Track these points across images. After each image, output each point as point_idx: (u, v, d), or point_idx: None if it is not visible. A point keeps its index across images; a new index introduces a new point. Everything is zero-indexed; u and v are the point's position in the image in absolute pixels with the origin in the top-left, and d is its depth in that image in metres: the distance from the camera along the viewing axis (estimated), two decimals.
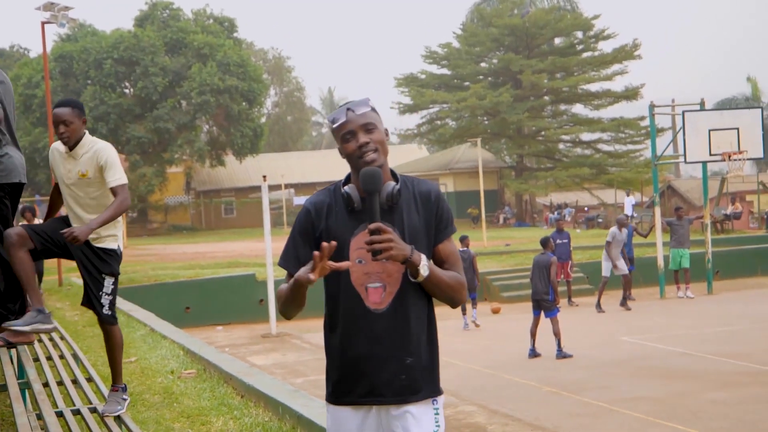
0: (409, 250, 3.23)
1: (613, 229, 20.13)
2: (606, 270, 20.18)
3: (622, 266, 20.00)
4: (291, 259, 3.44)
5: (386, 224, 3.23)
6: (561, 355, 13.82)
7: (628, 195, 43.59)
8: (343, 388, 3.40)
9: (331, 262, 3.13)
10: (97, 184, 6.05)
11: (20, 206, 18.21)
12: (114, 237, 6.22)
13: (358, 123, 3.35)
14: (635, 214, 39.20)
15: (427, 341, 3.43)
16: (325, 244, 3.11)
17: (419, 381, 3.38)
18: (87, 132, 6.13)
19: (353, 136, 3.35)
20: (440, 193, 3.50)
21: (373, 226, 3.17)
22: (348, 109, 3.37)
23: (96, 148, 6.03)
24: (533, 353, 14.11)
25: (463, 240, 18.63)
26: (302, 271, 3.18)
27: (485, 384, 12.06)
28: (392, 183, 3.37)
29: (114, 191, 5.99)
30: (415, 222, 3.39)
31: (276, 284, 18.30)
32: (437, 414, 3.42)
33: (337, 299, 3.40)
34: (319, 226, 3.40)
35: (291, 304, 3.37)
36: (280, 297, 3.40)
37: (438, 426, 3.41)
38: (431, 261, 3.39)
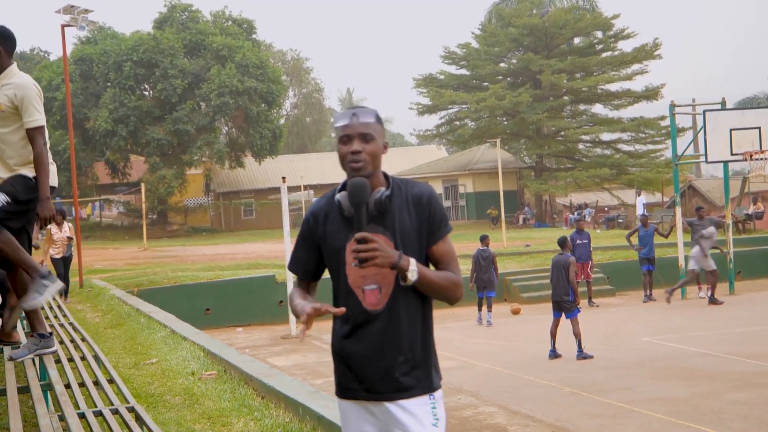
0: (397, 256, 3.34)
1: (711, 228, 20.35)
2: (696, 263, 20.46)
3: (711, 263, 20.31)
4: (297, 264, 3.69)
5: (378, 228, 3.43)
6: (581, 355, 13.78)
7: (639, 194, 43.36)
8: (344, 384, 3.55)
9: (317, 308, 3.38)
10: (12, 121, 5.77)
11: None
12: (29, 166, 5.88)
13: (358, 130, 3.44)
14: (646, 213, 39.05)
15: (422, 339, 3.52)
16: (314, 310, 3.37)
17: (414, 378, 3.48)
18: (14, 64, 5.86)
19: (349, 140, 3.45)
20: (433, 194, 3.56)
21: (358, 235, 3.31)
22: (353, 114, 3.46)
23: (17, 82, 5.75)
24: (554, 354, 14.06)
25: (484, 239, 18.69)
26: (300, 308, 3.46)
27: (505, 385, 12.03)
28: (381, 189, 3.46)
29: (30, 135, 5.71)
30: (407, 225, 3.48)
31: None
32: (434, 408, 3.51)
33: (338, 300, 3.54)
34: (317, 233, 3.56)
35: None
36: (291, 304, 3.63)
37: (437, 419, 3.50)
38: (428, 263, 3.53)
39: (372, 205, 3.42)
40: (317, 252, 3.59)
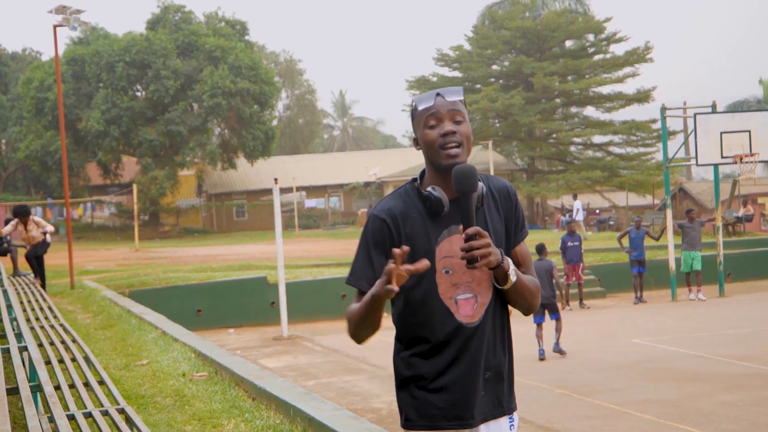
0: (501, 254, 2.99)
1: None
2: None
3: None
4: (363, 277, 3.11)
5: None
6: (557, 348, 14.21)
7: (575, 198, 43.49)
8: (427, 412, 3.11)
9: (407, 266, 2.84)
10: None
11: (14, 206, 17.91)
12: None
13: (446, 109, 3.05)
14: (579, 218, 39.35)
15: (509, 355, 3.25)
16: (396, 250, 2.82)
17: (502, 397, 3.20)
18: None
19: (438, 122, 3.05)
20: (515, 190, 3.24)
21: (471, 230, 2.90)
22: (437, 94, 3.08)
23: None
24: (543, 354, 14.24)
25: None
26: (378, 285, 2.89)
27: None
28: (480, 183, 3.05)
29: None
30: (497, 223, 3.15)
31: (287, 287, 18.32)
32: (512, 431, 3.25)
33: (417, 317, 3.10)
34: (398, 236, 3.07)
35: (366, 326, 3.08)
36: (353, 320, 3.09)
37: None
38: None
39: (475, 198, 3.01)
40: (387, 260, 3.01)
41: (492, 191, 3.17)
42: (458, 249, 2.97)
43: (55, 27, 20.73)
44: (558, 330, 14.25)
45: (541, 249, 14.96)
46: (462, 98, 3.10)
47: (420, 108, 3.09)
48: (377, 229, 3.10)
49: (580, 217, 39.54)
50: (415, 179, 3.17)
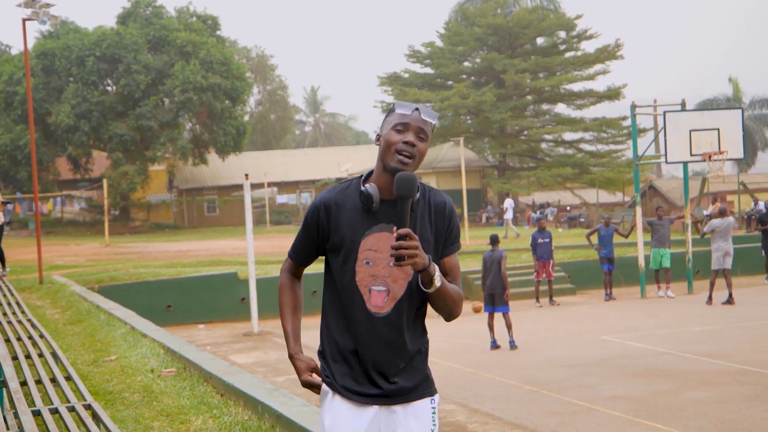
0: (428, 259, 3.25)
1: (714, 220, 19.82)
2: (716, 263, 19.56)
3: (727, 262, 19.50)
4: (299, 253, 3.62)
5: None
6: (514, 345, 14.65)
7: (508, 196, 43.58)
8: (341, 383, 3.44)
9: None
10: None
11: None
12: None
13: (417, 124, 3.37)
14: (508, 217, 39.90)
15: (424, 350, 3.51)
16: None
17: (414, 382, 3.45)
18: None
19: (405, 129, 3.36)
20: (453, 206, 3.53)
21: (402, 231, 3.18)
22: (416, 108, 3.40)
23: None
24: (495, 345, 14.78)
25: None
26: (295, 357, 3.63)
27: (466, 383, 12.08)
28: (417, 191, 3.36)
29: None
30: (427, 232, 3.42)
31: (258, 283, 18.28)
32: (434, 413, 3.49)
33: (339, 297, 3.44)
34: (327, 224, 3.44)
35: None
36: (280, 311, 3.66)
37: (434, 425, 3.48)
38: None
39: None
40: (318, 243, 3.50)
41: (430, 203, 3.46)
42: (383, 244, 3.34)
43: (24, 20, 20.54)
44: (508, 326, 14.75)
45: (494, 240, 15.32)
46: (434, 123, 3.42)
47: (397, 111, 3.41)
48: (310, 216, 3.52)
49: (509, 215, 40.11)
50: (362, 176, 3.49)
